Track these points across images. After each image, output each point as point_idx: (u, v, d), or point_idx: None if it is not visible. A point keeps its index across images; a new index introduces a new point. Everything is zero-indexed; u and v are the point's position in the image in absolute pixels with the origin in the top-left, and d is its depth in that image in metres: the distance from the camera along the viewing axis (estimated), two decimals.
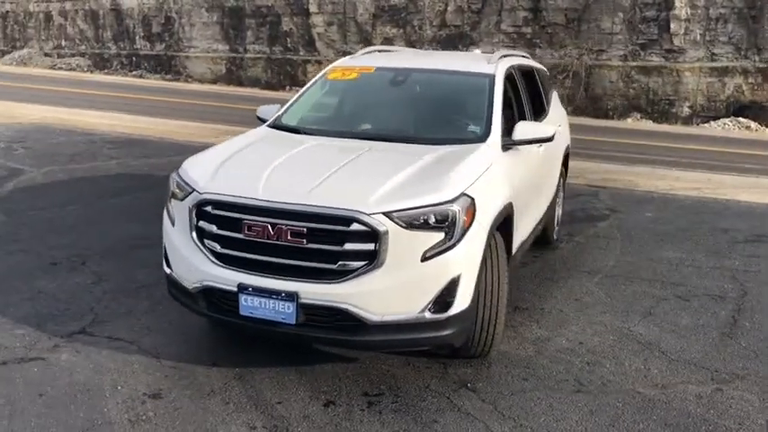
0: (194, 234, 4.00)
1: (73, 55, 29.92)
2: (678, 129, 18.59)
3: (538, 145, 5.24)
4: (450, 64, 5.72)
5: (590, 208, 8.52)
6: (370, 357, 4.33)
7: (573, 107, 21.28)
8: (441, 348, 4.23)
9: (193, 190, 4.04)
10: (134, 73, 27.90)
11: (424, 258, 3.72)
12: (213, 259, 3.93)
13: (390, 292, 3.72)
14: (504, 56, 5.72)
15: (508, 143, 4.75)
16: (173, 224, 4.21)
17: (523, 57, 6.52)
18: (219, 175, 4.12)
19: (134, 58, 28.52)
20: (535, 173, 5.43)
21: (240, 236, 3.84)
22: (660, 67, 20.38)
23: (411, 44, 22.90)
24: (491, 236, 4.05)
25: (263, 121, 5.36)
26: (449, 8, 22.65)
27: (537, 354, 4.50)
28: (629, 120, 20.37)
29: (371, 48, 6.20)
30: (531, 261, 6.31)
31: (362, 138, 4.74)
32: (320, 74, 5.64)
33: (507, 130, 4.83)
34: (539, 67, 6.72)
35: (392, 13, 23.47)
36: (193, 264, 4.00)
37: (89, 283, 5.40)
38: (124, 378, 4.02)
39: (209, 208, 3.95)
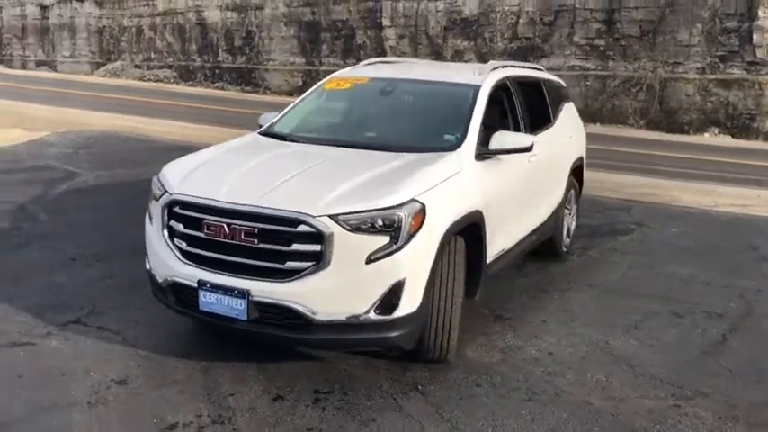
0: (166, 232, 4.28)
1: (161, 67, 31.50)
2: (757, 144, 17.79)
3: (529, 155, 5.24)
4: (443, 75, 5.80)
5: (616, 222, 8.34)
6: (332, 357, 4.47)
7: (646, 121, 20.72)
8: (390, 350, 4.32)
9: (165, 191, 4.31)
10: (216, 85, 29.07)
11: (369, 261, 3.84)
12: (180, 256, 4.19)
13: (336, 293, 3.87)
14: (502, 66, 5.76)
15: (484, 152, 4.79)
16: (151, 223, 4.49)
17: (533, 68, 6.53)
18: (190, 177, 4.38)
19: (217, 71, 29.71)
20: (523, 183, 5.43)
21: (201, 235, 4.08)
22: (741, 80, 19.57)
23: (481, 57, 22.85)
24: (446, 243, 4.12)
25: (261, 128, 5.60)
26: (520, 20, 22.51)
27: (501, 361, 4.52)
28: (706, 135, 19.62)
29: (375, 59, 6.36)
30: (534, 272, 6.29)
31: (342, 145, 4.88)
32: (317, 84, 5.84)
33: (487, 140, 4.87)
34: (548, 78, 6.68)
35: (464, 25, 23.54)
36: (164, 260, 4.28)
37: (98, 278, 5.77)
38: (98, 365, 4.30)
39: (177, 208, 4.21)
